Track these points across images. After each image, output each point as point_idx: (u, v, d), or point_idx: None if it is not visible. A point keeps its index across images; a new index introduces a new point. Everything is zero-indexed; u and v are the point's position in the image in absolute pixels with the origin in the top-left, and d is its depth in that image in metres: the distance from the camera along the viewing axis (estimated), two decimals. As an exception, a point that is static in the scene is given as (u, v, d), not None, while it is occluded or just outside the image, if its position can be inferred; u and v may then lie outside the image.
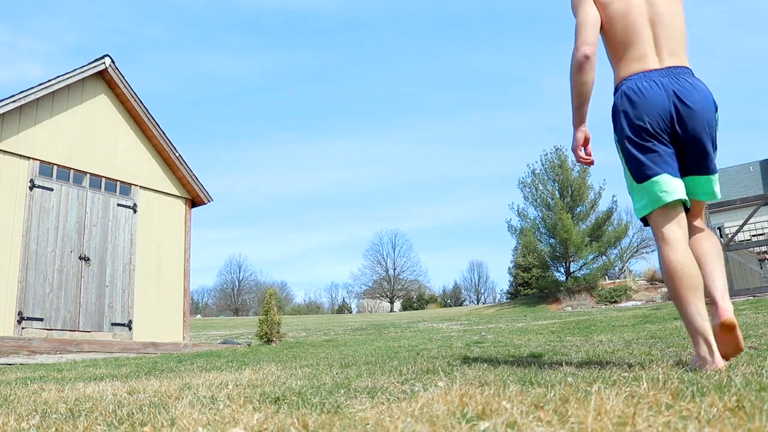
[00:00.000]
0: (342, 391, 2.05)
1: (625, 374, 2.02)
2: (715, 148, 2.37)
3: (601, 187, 31.90)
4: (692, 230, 2.43)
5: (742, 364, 2.11)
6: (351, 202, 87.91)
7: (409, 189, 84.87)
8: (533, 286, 33.05)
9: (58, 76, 8.50)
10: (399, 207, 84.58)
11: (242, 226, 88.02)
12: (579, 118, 2.51)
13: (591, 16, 2.44)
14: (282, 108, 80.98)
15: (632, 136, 2.33)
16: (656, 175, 2.28)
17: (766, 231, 25.13)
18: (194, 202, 10.58)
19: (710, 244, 2.39)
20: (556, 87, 71.61)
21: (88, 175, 8.92)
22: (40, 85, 8.23)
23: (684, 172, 2.36)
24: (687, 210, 2.35)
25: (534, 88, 73.31)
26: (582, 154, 2.52)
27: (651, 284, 28.60)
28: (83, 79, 9.03)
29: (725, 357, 2.17)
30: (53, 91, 8.54)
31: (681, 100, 2.30)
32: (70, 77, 8.67)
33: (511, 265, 40.23)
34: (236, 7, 73.83)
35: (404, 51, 75.89)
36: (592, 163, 2.54)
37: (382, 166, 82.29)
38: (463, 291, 63.77)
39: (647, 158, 2.30)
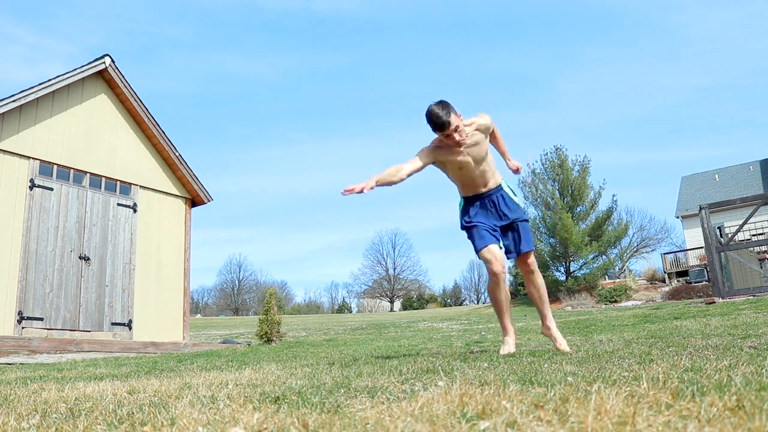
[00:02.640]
0: (342, 390, 2.04)
1: (625, 374, 2.02)
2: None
3: (601, 186, 31.86)
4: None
5: (742, 364, 2.11)
6: (353, 202, 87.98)
7: (411, 190, 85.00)
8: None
9: (58, 76, 8.50)
10: (400, 207, 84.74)
11: (245, 226, 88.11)
12: None
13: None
14: (297, 109, 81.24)
15: None
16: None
17: (766, 230, 25.12)
18: (194, 201, 10.58)
19: None
20: (571, 88, 71.81)
21: (88, 174, 8.92)
22: (39, 84, 8.23)
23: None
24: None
25: (549, 89, 73.47)
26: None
27: (651, 284, 28.60)
28: (83, 78, 9.02)
29: None
30: (53, 91, 8.54)
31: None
32: (70, 77, 8.66)
33: (511, 265, 40.11)
34: (260, 9, 74.16)
35: (422, 53, 75.99)
36: None
37: (387, 167, 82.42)
38: (463, 290, 63.79)
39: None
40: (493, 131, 3.68)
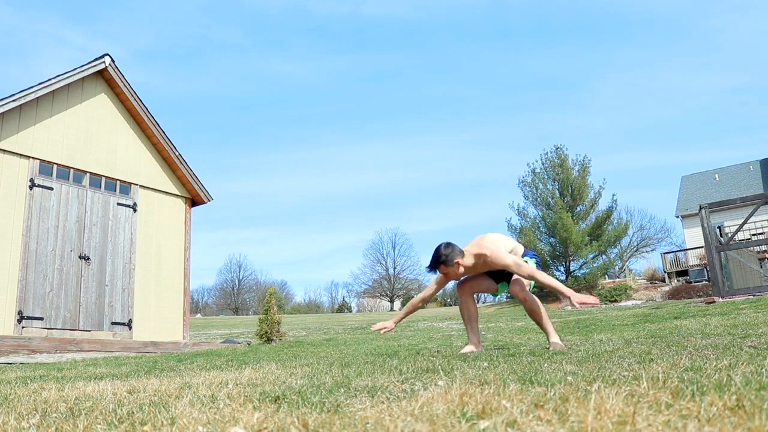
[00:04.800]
0: (342, 390, 2.05)
1: (625, 373, 2.02)
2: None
3: (601, 186, 31.86)
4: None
5: (742, 363, 2.11)
6: (353, 203, 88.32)
7: (412, 191, 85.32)
8: (533, 286, 33.02)
9: (58, 75, 8.49)
10: (400, 208, 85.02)
11: (246, 226, 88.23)
12: None
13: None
14: (334, 111, 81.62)
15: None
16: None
17: (765, 230, 25.12)
18: (194, 201, 10.58)
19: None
20: (605, 91, 71.94)
21: (88, 174, 8.92)
22: (39, 84, 8.23)
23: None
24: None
25: (584, 91, 73.63)
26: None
27: (651, 283, 28.60)
28: (83, 78, 9.02)
29: None
30: (53, 90, 8.54)
31: None
32: (70, 76, 8.66)
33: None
34: (308, 13, 74.95)
35: (463, 56, 76.17)
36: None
37: (405, 168, 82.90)
38: (463, 290, 63.62)
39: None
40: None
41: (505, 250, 4.05)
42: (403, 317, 4.45)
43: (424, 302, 4.42)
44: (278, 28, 76.49)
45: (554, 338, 4.12)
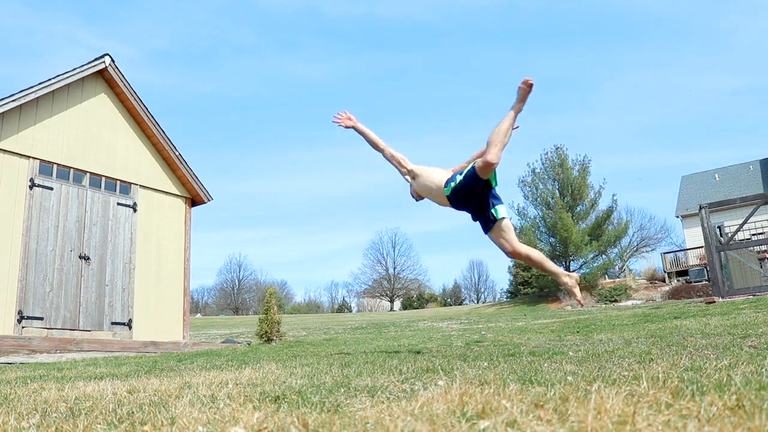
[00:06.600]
0: (342, 390, 2.05)
1: (625, 373, 2.02)
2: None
3: (601, 186, 31.87)
4: None
5: (742, 363, 2.11)
6: (355, 203, 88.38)
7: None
8: (533, 285, 33.01)
9: (58, 75, 8.49)
10: (402, 209, 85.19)
11: (247, 227, 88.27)
12: None
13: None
14: (323, 113, 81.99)
15: None
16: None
17: (765, 230, 25.12)
18: (194, 201, 10.57)
19: None
20: (610, 92, 71.81)
21: (88, 174, 8.92)
22: (39, 84, 8.22)
23: None
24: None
25: (590, 92, 73.54)
26: None
27: (651, 283, 28.59)
28: (83, 78, 9.02)
29: None
30: (53, 90, 8.54)
31: None
32: (70, 76, 8.66)
33: (511, 264, 40.19)
34: (322, 15, 75.30)
35: (473, 57, 76.06)
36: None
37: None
38: (463, 290, 63.77)
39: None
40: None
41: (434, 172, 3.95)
42: (366, 134, 4.13)
43: (387, 154, 4.12)
44: (292, 30, 76.75)
45: (564, 278, 3.75)
